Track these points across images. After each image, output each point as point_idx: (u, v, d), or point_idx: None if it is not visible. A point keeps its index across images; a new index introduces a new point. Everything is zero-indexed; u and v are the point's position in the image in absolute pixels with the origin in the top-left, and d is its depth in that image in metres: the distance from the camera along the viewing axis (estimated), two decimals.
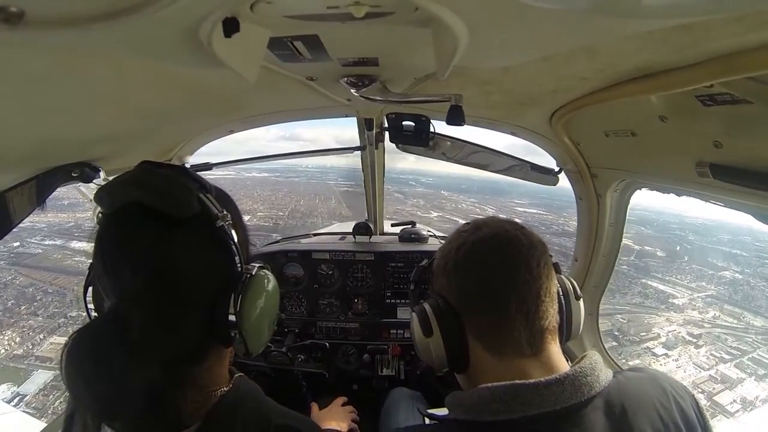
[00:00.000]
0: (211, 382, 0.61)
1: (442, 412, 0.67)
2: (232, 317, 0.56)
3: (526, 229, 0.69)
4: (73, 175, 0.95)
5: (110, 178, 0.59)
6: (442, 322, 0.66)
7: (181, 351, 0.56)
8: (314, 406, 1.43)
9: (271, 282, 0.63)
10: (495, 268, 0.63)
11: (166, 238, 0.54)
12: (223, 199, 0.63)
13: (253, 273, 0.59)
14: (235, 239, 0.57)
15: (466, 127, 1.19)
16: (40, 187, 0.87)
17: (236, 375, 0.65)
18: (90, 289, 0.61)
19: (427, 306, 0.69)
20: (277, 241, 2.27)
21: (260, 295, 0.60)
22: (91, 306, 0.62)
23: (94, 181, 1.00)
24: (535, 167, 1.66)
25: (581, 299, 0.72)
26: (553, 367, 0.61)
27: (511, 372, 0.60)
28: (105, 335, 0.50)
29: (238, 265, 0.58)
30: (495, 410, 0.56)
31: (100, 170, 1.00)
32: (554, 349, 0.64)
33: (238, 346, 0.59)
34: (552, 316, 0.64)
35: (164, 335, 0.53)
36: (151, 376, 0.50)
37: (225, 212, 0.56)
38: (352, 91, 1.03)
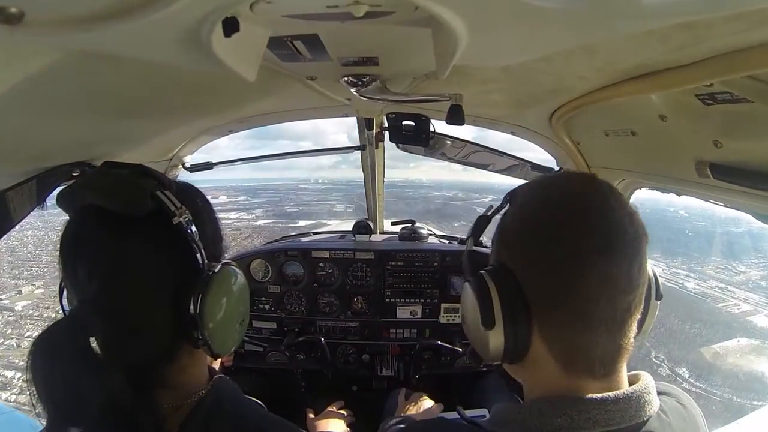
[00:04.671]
0: (186, 383, 0.59)
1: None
2: (192, 313, 0.54)
3: (629, 207, 0.53)
4: (73, 175, 0.95)
5: None
6: (509, 314, 0.52)
7: (148, 352, 0.55)
8: (309, 412, 1.43)
9: (237, 280, 0.61)
10: (592, 255, 0.49)
11: (119, 239, 0.54)
12: (187, 196, 0.61)
13: (216, 270, 0.57)
14: (196, 237, 0.55)
15: (466, 126, 1.19)
16: (40, 187, 0.87)
17: (216, 377, 0.64)
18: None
19: (492, 289, 0.53)
20: (277, 240, 2.27)
21: (224, 294, 0.58)
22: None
23: None
24: (535, 167, 1.66)
25: (661, 299, 0.61)
26: (614, 387, 0.52)
27: (572, 385, 0.52)
28: (62, 338, 0.49)
29: (200, 262, 0.56)
30: (557, 426, 0.49)
31: None
32: (623, 370, 0.54)
33: (204, 348, 0.57)
34: (635, 329, 0.52)
35: (125, 337, 0.53)
36: (113, 379, 0.49)
37: (183, 208, 0.54)
38: (352, 90, 1.03)
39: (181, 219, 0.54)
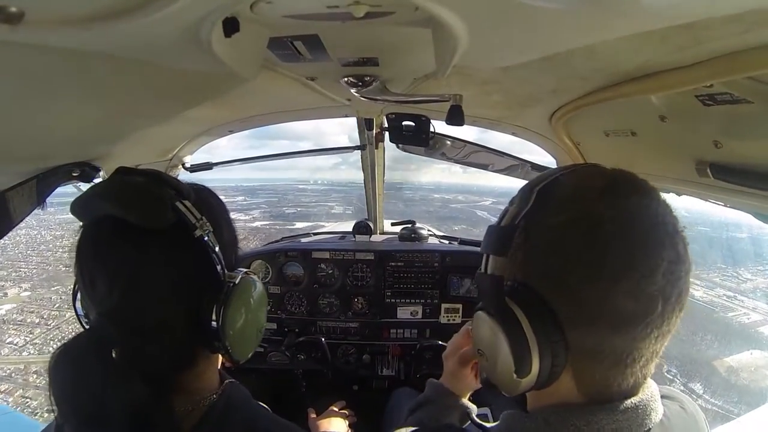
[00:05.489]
0: (201, 387, 0.60)
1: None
2: (214, 324, 0.55)
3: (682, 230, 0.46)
4: (74, 174, 0.95)
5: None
6: (546, 363, 0.46)
7: (168, 361, 0.55)
8: (310, 412, 1.43)
9: (256, 290, 0.62)
10: (655, 301, 0.43)
11: (140, 251, 0.53)
12: (205, 202, 0.61)
13: (237, 282, 0.57)
14: (216, 248, 0.55)
15: (466, 126, 1.19)
16: (41, 187, 0.87)
17: (226, 381, 0.64)
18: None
19: (530, 338, 0.46)
20: (278, 241, 2.27)
21: (244, 305, 0.58)
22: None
23: (94, 180, 1.00)
24: (535, 167, 1.66)
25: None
26: None
27: (585, 401, 0.50)
28: (84, 351, 0.50)
29: (220, 273, 0.56)
30: None
31: (100, 170, 1.00)
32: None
33: (224, 355, 0.58)
34: None
35: (146, 348, 0.53)
36: (134, 389, 0.49)
37: (203, 219, 0.54)
38: (352, 91, 1.03)
39: (201, 231, 0.54)
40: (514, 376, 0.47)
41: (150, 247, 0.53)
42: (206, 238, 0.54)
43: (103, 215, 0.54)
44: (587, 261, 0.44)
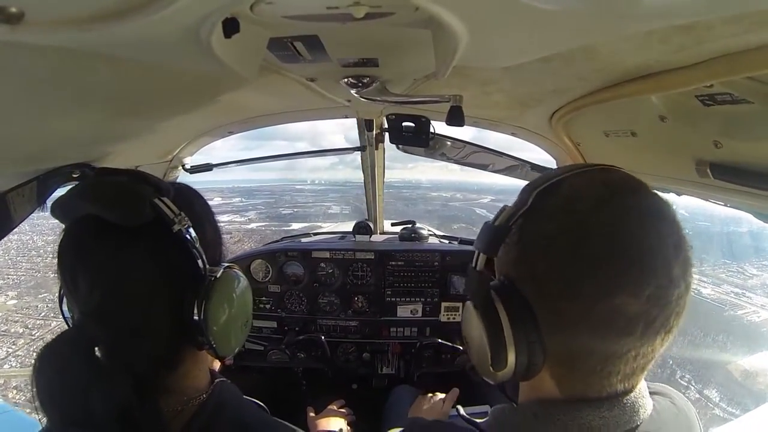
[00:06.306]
0: (188, 387, 0.60)
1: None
2: (197, 319, 0.55)
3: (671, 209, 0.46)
4: (73, 176, 0.95)
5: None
6: (523, 360, 0.47)
7: (152, 359, 0.55)
8: (309, 411, 1.43)
9: (239, 283, 0.62)
10: (640, 318, 0.42)
11: (120, 249, 0.53)
12: (186, 199, 0.61)
13: (218, 275, 0.57)
14: (197, 242, 0.55)
15: (465, 126, 1.19)
16: (40, 189, 0.87)
17: (217, 380, 0.64)
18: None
19: (508, 340, 0.46)
20: (278, 240, 2.27)
21: (227, 298, 0.58)
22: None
23: None
24: (535, 167, 1.66)
25: None
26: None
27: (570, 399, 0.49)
28: (68, 350, 0.50)
29: (202, 268, 0.56)
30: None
31: None
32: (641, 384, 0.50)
33: (209, 350, 0.58)
34: None
35: (130, 346, 0.53)
36: (119, 388, 0.49)
37: (182, 215, 0.54)
38: (352, 91, 1.03)
39: (180, 227, 0.54)
40: (491, 368, 0.49)
41: (130, 245, 0.53)
42: (185, 234, 0.54)
43: (82, 215, 0.54)
44: (570, 275, 0.44)
